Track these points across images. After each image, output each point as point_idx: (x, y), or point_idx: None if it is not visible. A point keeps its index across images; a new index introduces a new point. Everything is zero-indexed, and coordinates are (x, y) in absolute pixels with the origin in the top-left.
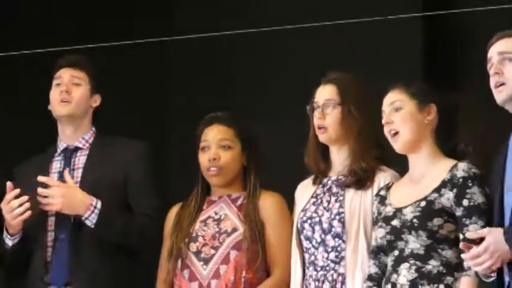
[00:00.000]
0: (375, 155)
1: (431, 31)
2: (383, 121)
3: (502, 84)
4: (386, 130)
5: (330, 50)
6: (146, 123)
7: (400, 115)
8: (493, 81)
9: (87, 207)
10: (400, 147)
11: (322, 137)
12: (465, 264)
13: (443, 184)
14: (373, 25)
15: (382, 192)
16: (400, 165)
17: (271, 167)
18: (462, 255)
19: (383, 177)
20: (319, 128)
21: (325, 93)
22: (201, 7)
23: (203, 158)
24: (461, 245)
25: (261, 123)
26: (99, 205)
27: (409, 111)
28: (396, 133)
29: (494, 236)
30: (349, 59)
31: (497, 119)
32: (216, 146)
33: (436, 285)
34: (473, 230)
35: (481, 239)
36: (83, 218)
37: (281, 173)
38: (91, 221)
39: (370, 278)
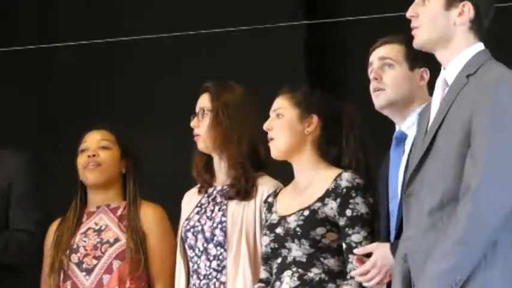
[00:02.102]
0: (256, 164)
1: (314, 39)
2: (263, 126)
3: (381, 89)
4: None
5: (215, 58)
6: (27, 132)
7: (279, 122)
8: (372, 86)
9: None
10: (273, 153)
11: (198, 145)
12: (349, 271)
13: (327, 193)
14: (255, 33)
15: (270, 199)
16: (283, 174)
17: (158, 177)
18: (352, 273)
19: (266, 187)
20: (195, 135)
21: (200, 101)
22: (81, 14)
23: (82, 158)
24: (354, 259)
25: (147, 133)
26: None
27: (289, 120)
28: (272, 139)
29: (381, 251)
30: (237, 66)
31: (378, 127)
32: (96, 147)
33: None
34: (361, 247)
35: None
36: None
37: (168, 182)
38: None
39: (260, 281)
